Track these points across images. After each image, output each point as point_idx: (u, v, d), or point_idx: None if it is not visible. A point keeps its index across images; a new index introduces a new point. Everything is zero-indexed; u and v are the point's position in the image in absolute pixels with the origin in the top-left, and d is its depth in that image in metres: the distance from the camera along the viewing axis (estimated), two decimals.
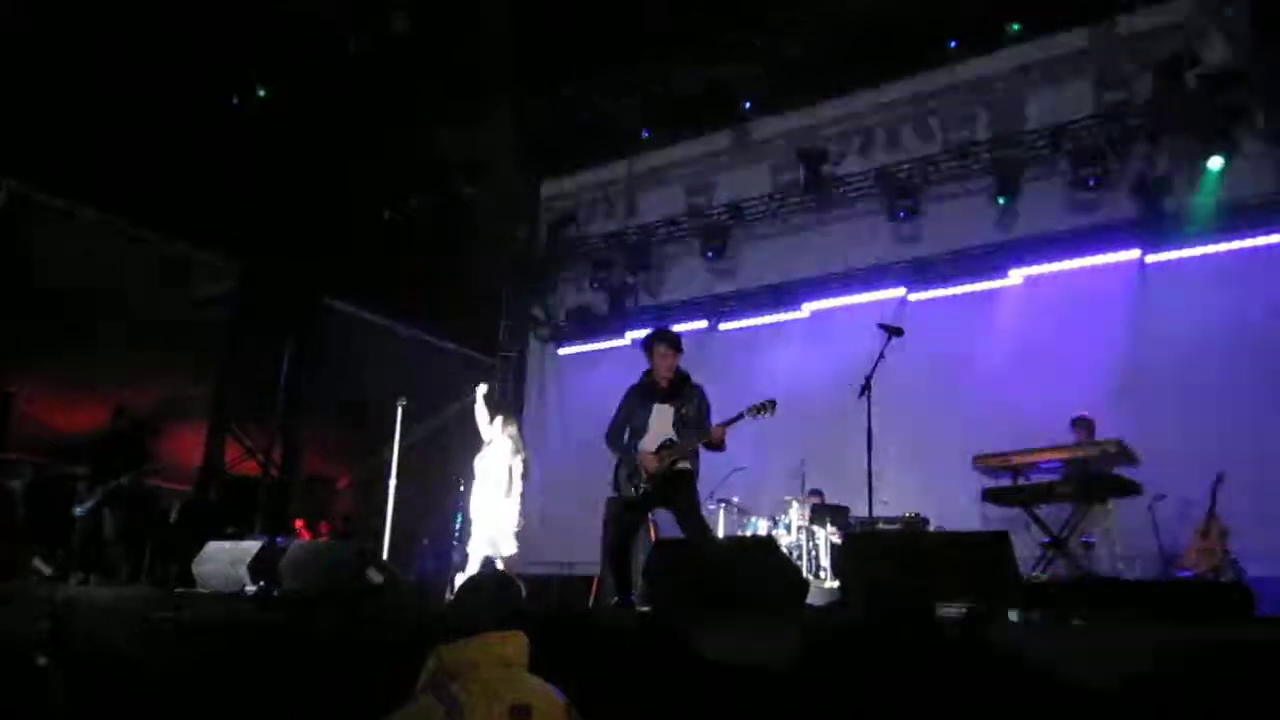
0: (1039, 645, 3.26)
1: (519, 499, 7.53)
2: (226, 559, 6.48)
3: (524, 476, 7.60)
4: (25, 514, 8.22)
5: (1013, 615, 3.91)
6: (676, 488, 5.55)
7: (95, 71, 8.66)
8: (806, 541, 8.77)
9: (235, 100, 10.32)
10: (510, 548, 7.38)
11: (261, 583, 6.14)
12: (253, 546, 6.52)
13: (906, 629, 3.51)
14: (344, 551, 6.31)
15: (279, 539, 8.99)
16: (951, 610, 3.85)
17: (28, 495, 8.33)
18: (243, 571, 6.18)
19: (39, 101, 8.38)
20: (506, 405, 7.75)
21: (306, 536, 10.77)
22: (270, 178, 10.60)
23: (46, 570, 7.48)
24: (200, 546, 7.01)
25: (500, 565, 7.06)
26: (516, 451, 7.61)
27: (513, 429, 7.70)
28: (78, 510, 7.72)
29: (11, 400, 8.56)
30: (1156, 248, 9.41)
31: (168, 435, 10.21)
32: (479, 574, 3.60)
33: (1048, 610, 4.20)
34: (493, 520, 7.39)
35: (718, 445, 5.61)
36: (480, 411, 7.69)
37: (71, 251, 9.31)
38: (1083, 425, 7.64)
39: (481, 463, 7.61)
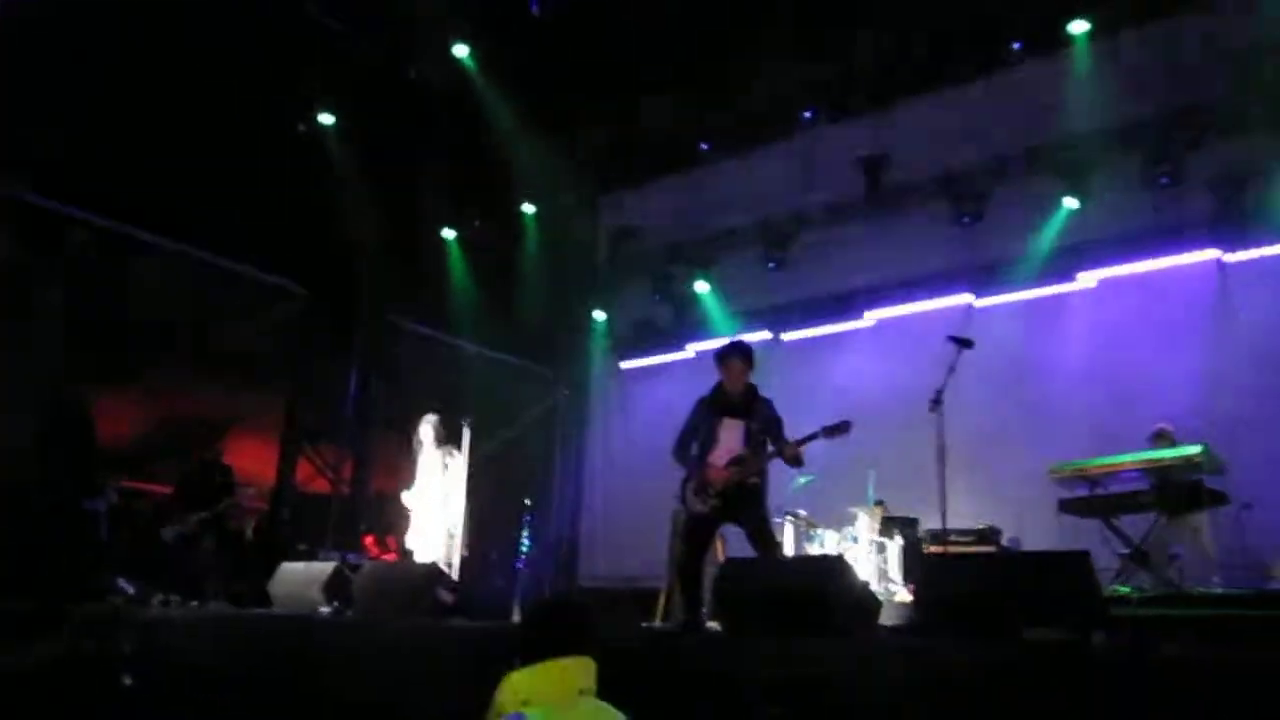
0: (1127, 668, 3.15)
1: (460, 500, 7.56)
2: (301, 580, 6.59)
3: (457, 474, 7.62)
4: (107, 536, 8.47)
5: (1097, 637, 3.79)
6: (746, 504, 5.49)
7: (167, 108, 8.91)
8: (876, 554, 8.66)
9: (301, 128, 10.56)
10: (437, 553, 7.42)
11: (335, 603, 6.23)
12: (326, 568, 6.61)
13: (991, 653, 3.42)
14: (415, 572, 6.37)
15: (349, 555, 9.15)
16: (1036, 633, 3.75)
17: (110, 518, 8.58)
18: (317, 593, 6.28)
19: (118, 142, 8.65)
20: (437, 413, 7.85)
21: (375, 553, 10.93)
22: (334, 201, 10.80)
23: (130, 590, 7.68)
24: (273, 564, 7.14)
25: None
26: (440, 445, 7.68)
27: (430, 426, 7.78)
28: (167, 534, 8.03)
29: (94, 425, 8.83)
30: (1235, 246, 9.11)
31: (240, 453, 10.48)
32: (548, 599, 3.59)
33: (1134, 629, 4.07)
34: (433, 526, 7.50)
35: (794, 461, 5.55)
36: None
37: (147, 282, 9.57)
38: (1163, 438, 7.39)
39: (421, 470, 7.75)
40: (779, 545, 6.19)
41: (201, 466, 8.51)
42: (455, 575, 7.15)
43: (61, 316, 8.82)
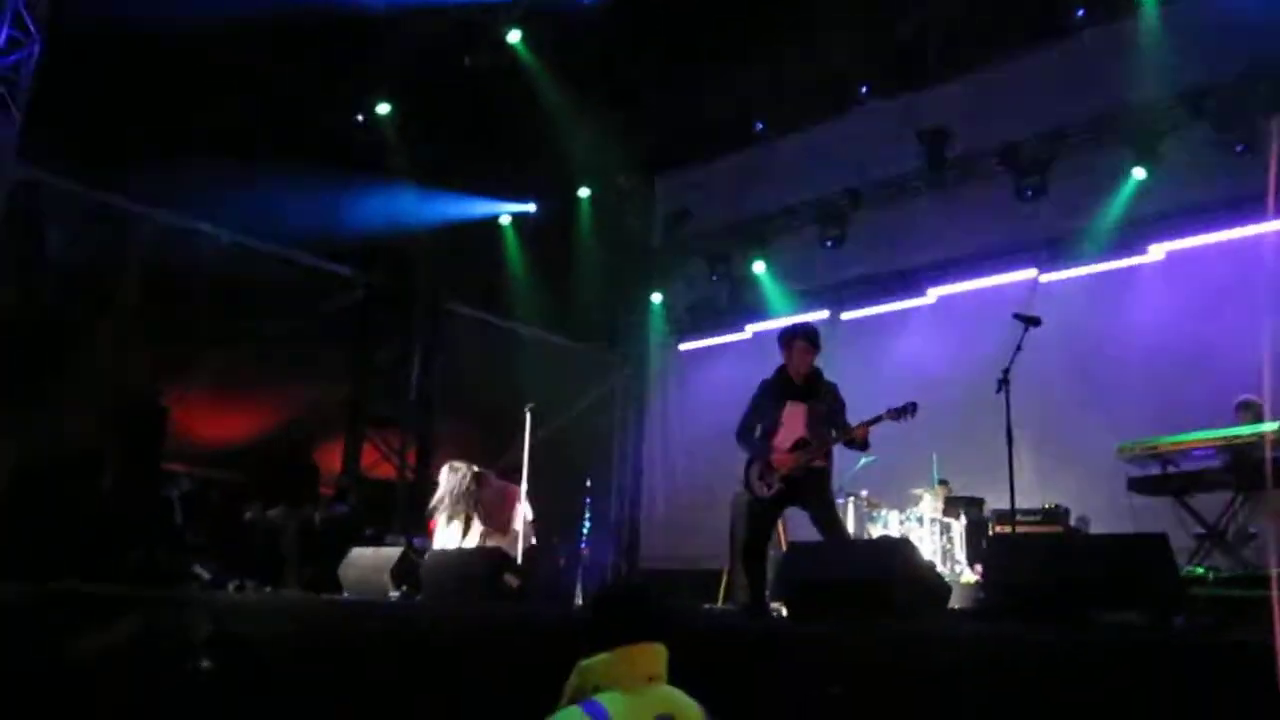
0: (1206, 652, 3.07)
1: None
2: (370, 565, 6.72)
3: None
4: (183, 522, 8.72)
5: (1177, 622, 3.71)
6: (811, 487, 5.45)
7: (228, 102, 9.08)
8: (940, 534, 8.57)
9: (359, 118, 10.71)
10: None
11: (404, 588, 6.34)
12: (394, 553, 6.73)
13: (1061, 637, 3.36)
14: (481, 557, 6.45)
15: (415, 540, 9.30)
16: (1109, 618, 3.68)
17: (184, 503, 8.83)
18: (385, 578, 6.40)
19: (181, 137, 8.85)
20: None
21: None
22: (391, 190, 10.94)
23: (205, 576, 7.89)
24: (340, 549, 7.28)
25: None
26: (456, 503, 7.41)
27: (447, 475, 7.47)
28: (249, 515, 8.27)
29: (167, 415, 9.07)
30: None
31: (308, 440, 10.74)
32: (615, 585, 3.60)
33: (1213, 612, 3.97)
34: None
35: (860, 445, 5.51)
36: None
37: (211, 275, 9.77)
38: (1248, 409, 7.14)
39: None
40: (844, 528, 6.14)
41: (290, 463, 8.68)
42: (520, 559, 7.23)
43: (134, 309, 9.07)
